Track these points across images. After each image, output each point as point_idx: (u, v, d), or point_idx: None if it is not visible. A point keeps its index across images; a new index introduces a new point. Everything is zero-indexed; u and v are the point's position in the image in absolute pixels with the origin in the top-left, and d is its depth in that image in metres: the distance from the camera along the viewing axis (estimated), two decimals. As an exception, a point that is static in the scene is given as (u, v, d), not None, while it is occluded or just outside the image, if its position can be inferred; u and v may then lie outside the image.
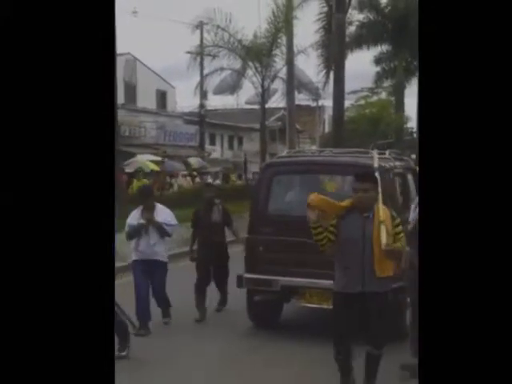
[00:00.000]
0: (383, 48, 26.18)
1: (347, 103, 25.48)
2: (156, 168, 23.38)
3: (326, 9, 23.27)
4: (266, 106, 24.92)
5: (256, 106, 27.64)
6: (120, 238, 10.29)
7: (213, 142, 37.69)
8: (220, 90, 27.84)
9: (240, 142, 41.53)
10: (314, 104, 39.91)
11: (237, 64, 23.97)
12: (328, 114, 38.86)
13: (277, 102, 27.26)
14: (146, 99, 31.83)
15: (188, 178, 24.69)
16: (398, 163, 6.76)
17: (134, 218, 6.40)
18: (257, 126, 28.48)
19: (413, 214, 4.97)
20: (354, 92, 33.42)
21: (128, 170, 21.91)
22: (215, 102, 48.79)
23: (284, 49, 22.83)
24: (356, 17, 24.59)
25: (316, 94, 32.61)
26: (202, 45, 25.12)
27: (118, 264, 9.33)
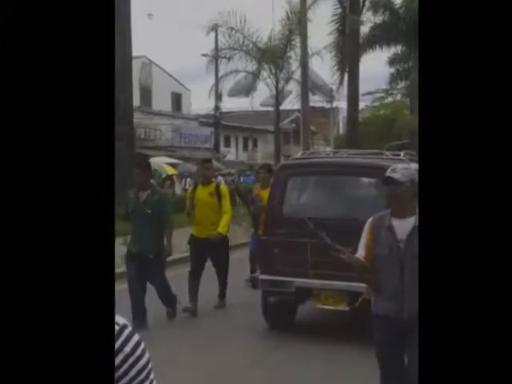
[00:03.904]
0: (397, 49, 26.11)
1: (361, 105, 25.47)
2: (172, 170, 23.48)
3: (339, 10, 23.30)
4: (281, 107, 25.01)
5: (270, 108, 27.70)
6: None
7: (228, 144, 37.79)
8: (235, 92, 27.96)
9: (255, 144, 41.60)
10: (328, 105, 39.90)
11: (251, 66, 24.10)
12: (342, 115, 38.82)
13: (291, 103, 27.35)
14: (162, 102, 32.01)
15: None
16: (413, 165, 6.75)
17: None
18: (271, 127, 28.56)
19: None
20: (369, 93, 33.33)
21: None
22: (230, 104, 48.93)
23: (298, 51, 22.90)
24: (370, 18, 24.56)
25: (330, 96, 32.64)
26: (216, 47, 25.26)
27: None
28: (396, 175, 3.44)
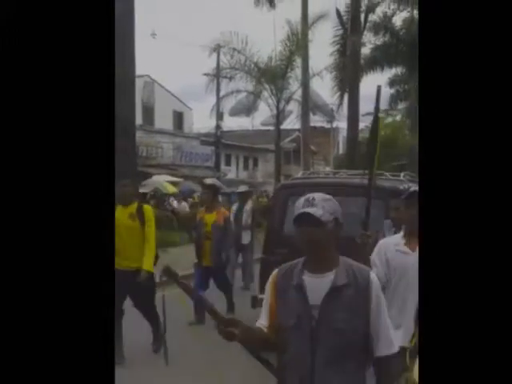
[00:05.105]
0: (397, 70, 26.28)
1: (361, 125, 25.60)
2: (173, 189, 23.52)
3: (341, 31, 23.51)
4: (281, 127, 25.08)
5: (271, 128, 27.82)
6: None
7: (228, 163, 37.88)
8: (236, 112, 28.11)
9: (255, 163, 41.69)
10: (328, 126, 40.09)
11: (252, 86, 24.22)
12: (342, 135, 38.98)
13: (292, 123, 27.48)
14: (163, 120, 32.19)
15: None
16: (412, 185, 6.80)
17: None
18: (272, 147, 28.63)
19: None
20: (369, 114, 33.45)
21: (145, 190, 22.04)
22: (231, 123, 49.15)
23: (299, 71, 23.08)
24: (371, 39, 24.79)
25: (330, 116, 32.81)
26: (218, 67, 25.45)
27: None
28: (317, 211, 2.32)
